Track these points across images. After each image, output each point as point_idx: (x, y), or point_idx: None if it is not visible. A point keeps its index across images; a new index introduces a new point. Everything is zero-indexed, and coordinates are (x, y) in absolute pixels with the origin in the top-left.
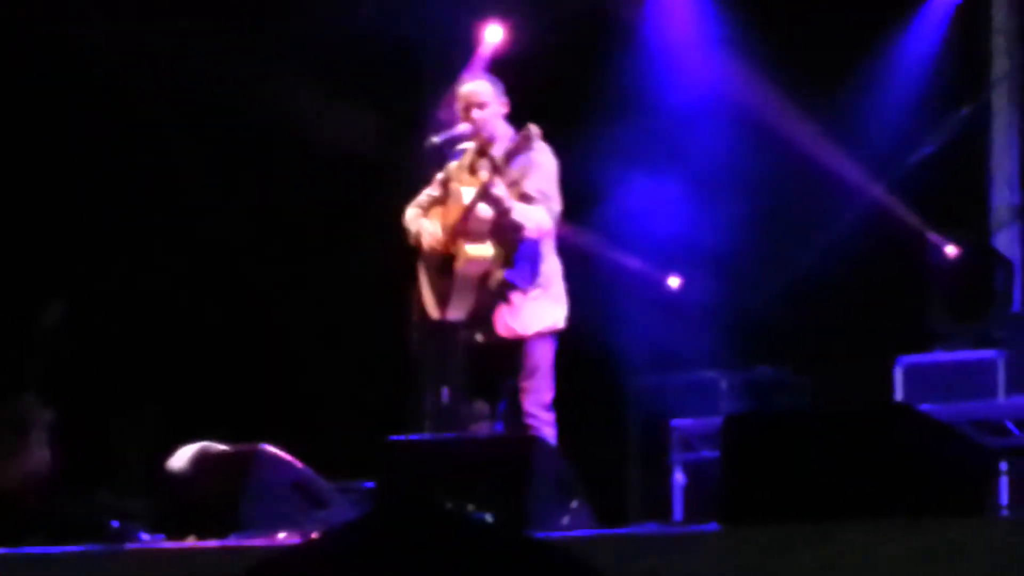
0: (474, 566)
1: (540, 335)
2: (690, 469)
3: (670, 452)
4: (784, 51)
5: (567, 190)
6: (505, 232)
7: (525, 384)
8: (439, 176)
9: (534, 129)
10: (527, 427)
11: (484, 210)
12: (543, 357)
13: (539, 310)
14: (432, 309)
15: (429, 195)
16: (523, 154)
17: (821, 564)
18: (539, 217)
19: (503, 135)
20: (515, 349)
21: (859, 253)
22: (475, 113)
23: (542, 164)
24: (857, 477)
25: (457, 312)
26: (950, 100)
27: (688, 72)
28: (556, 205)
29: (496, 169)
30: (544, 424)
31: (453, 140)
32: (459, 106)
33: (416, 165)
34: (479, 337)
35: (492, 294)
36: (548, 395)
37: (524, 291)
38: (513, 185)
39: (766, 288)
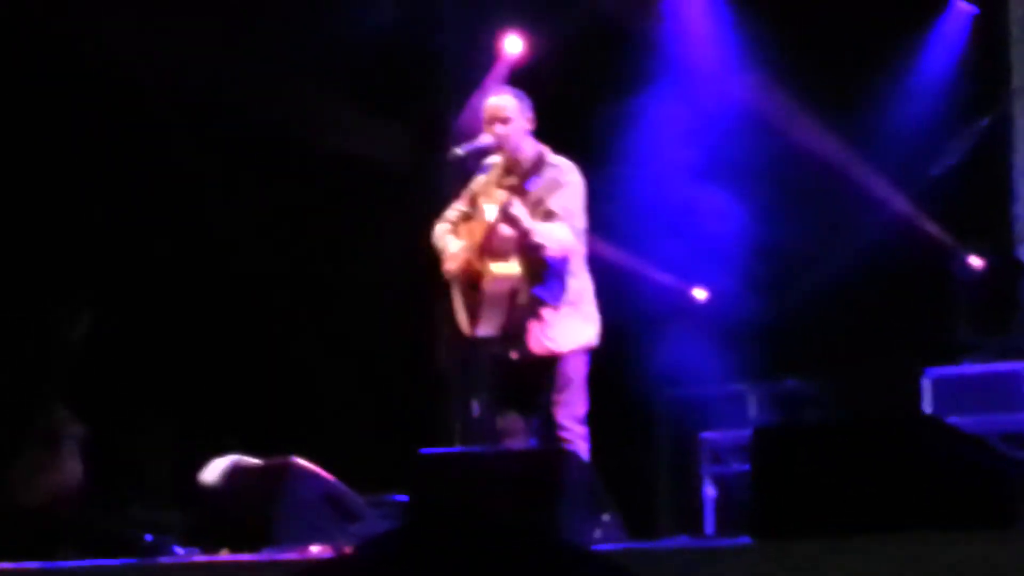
0: (511, 572)
1: (573, 352)
2: (720, 482)
3: (700, 465)
4: (805, 64)
5: (593, 204)
6: (529, 250)
7: (558, 398)
8: (469, 189)
9: (567, 163)
10: (561, 440)
11: (507, 228)
12: (576, 372)
13: (571, 327)
14: (464, 325)
15: (458, 210)
16: (537, 175)
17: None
18: (561, 235)
19: (528, 152)
20: (548, 365)
21: (885, 266)
22: (498, 128)
23: (569, 183)
24: (887, 489)
25: (487, 329)
26: (970, 111)
27: (710, 86)
28: (580, 223)
29: (514, 189)
30: (578, 438)
31: (476, 152)
32: (484, 118)
33: (439, 175)
34: (513, 354)
35: (522, 311)
36: (581, 409)
37: (554, 307)
38: (538, 203)
39: (794, 301)
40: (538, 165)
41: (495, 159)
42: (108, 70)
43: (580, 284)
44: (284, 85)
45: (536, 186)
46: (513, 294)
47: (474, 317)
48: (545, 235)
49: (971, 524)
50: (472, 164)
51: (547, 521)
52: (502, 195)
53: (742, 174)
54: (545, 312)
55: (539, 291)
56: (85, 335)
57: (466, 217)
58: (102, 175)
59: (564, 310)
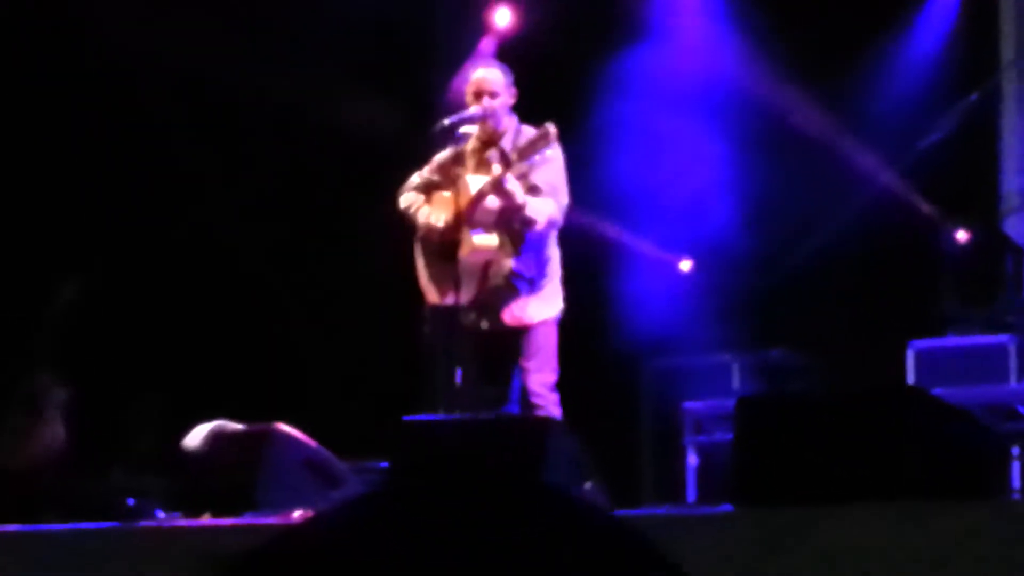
0: (492, 515)
1: (543, 322)
2: (703, 451)
3: (683, 434)
4: (792, 36)
5: (577, 173)
6: (512, 224)
7: (529, 365)
8: (438, 159)
9: (553, 129)
10: (534, 407)
11: (493, 201)
12: (546, 341)
13: (544, 299)
14: (430, 293)
15: (426, 179)
16: (539, 152)
17: (833, 546)
18: (549, 210)
19: (508, 125)
20: (519, 335)
21: (871, 238)
22: (486, 101)
23: (551, 157)
24: (869, 460)
25: (456, 298)
26: (959, 85)
27: (696, 56)
28: (564, 198)
29: (508, 164)
30: (550, 404)
31: (464, 122)
32: (469, 90)
33: (426, 147)
34: (484, 324)
35: (496, 282)
36: (552, 376)
37: (530, 281)
38: (522, 177)
39: (779, 272)
40: (516, 137)
41: (469, 130)
42: (97, 44)
43: (552, 258)
44: (274, 59)
45: (533, 162)
46: (488, 265)
47: (443, 285)
48: (535, 210)
49: (953, 495)
50: (447, 136)
51: None
52: (497, 168)
53: (728, 145)
54: (520, 285)
55: (516, 266)
56: (71, 301)
57: (435, 185)
58: (90, 143)
59: (539, 282)
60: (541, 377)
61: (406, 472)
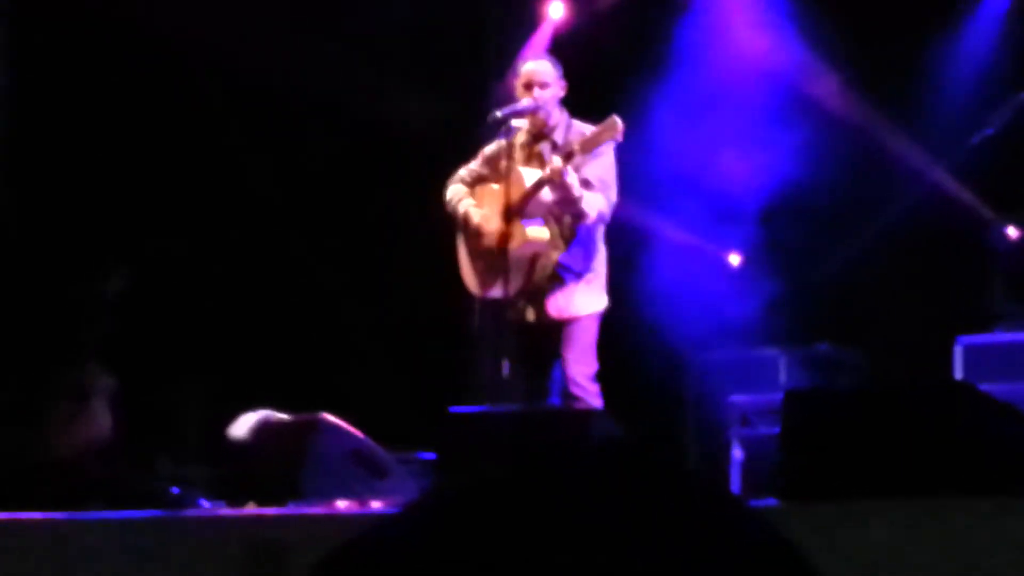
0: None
1: (587, 316)
2: (748, 445)
3: (729, 427)
4: (845, 31)
5: (628, 166)
6: (564, 216)
7: (569, 356)
8: (486, 152)
9: (619, 122)
10: (574, 397)
11: (546, 194)
12: (588, 334)
13: (587, 293)
14: (473, 285)
15: (473, 172)
16: (605, 144)
17: (879, 541)
18: (600, 205)
19: (559, 120)
20: (561, 327)
21: (920, 233)
22: (536, 92)
23: (603, 152)
24: (917, 455)
25: (502, 290)
26: (1011, 81)
27: (748, 50)
28: (613, 194)
29: (570, 156)
30: (590, 395)
31: (516, 115)
32: (520, 82)
33: (479, 139)
34: (530, 316)
35: (544, 275)
36: (592, 368)
37: (577, 274)
38: (575, 170)
39: (828, 267)
40: (567, 131)
41: (519, 123)
42: (146, 37)
43: (599, 252)
44: (325, 53)
45: (597, 153)
46: (536, 258)
47: (486, 277)
48: (588, 204)
49: (1001, 491)
50: (498, 129)
51: None
52: (557, 161)
53: (779, 140)
54: (567, 278)
55: (563, 258)
56: (119, 290)
57: (483, 178)
58: (138, 134)
59: (583, 276)
60: (581, 368)
61: (452, 464)
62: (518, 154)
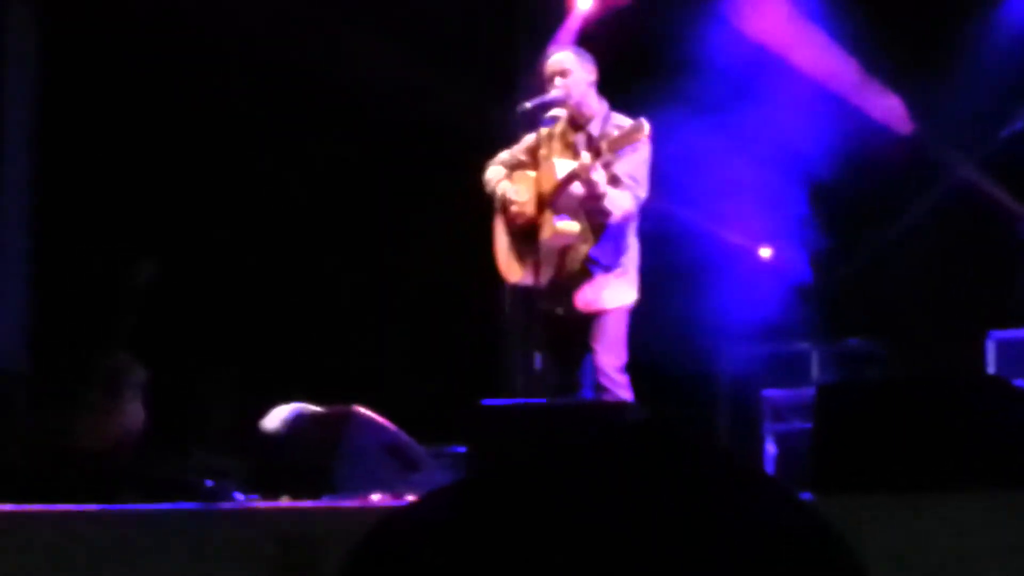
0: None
1: (616, 310)
2: (781, 439)
3: (762, 422)
4: (875, 24)
5: (659, 159)
6: (593, 212)
7: (599, 348)
8: (528, 139)
9: (646, 125)
10: (603, 389)
11: (577, 187)
12: (617, 327)
13: (618, 288)
14: (508, 271)
15: (515, 156)
16: (631, 145)
17: (912, 534)
18: (625, 204)
19: (598, 111)
20: (591, 320)
21: (952, 228)
22: (558, 81)
23: (637, 149)
24: (950, 450)
25: (532, 278)
26: None
27: (778, 44)
28: (643, 192)
29: (598, 153)
30: (619, 387)
31: (545, 105)
32: (545, 76)
33: (508, 130)
34: (559, 310)
35: (573, 268)
36: (621, 360)
37: (606, 268)
38: (606, 166)
39: (859, 261)
40: (604, 122)
41: (559, 112)
42: (175, 27)
43: (630, 247)
44: (357, 41)
45: (625, 154)
46: (566, 250)
47: (521, 265)
48: (612, 202)
49: None
50: (540, 118)
51: None
52: (587, 157)
53: (809, 133)
54: (596, 272)
55: (594, 252)
56: (150, 281)
57: (522, 164)
58: (168, 124)
59: (613, 270)
60: (610, 359)
61: (484, 457)
62: (556, 144)
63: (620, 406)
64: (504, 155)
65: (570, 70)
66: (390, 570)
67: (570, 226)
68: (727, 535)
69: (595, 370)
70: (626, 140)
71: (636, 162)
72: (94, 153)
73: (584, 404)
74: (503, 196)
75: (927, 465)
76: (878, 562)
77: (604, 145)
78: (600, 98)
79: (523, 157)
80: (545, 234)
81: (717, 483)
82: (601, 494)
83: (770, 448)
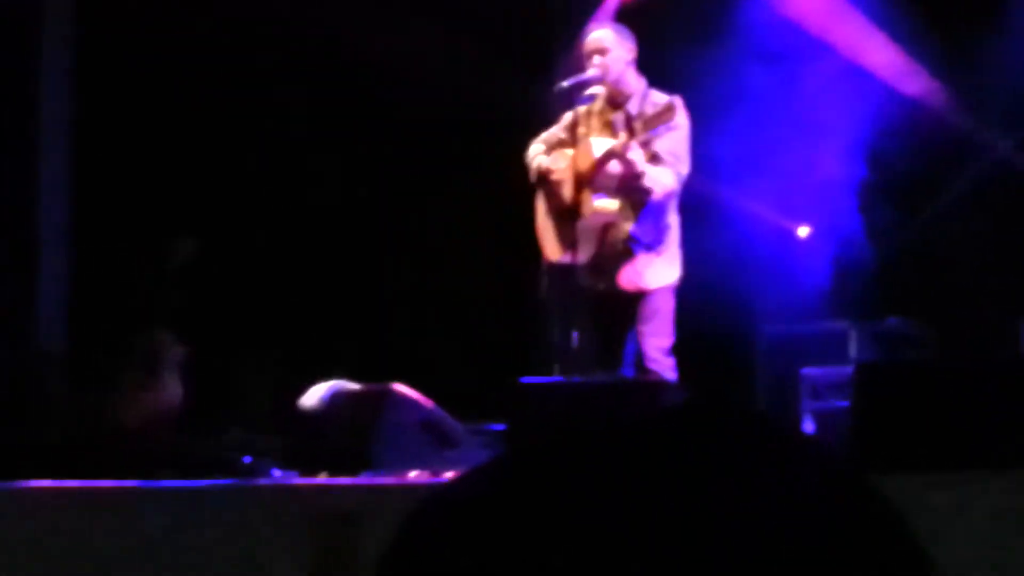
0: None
1: (660, 289)
2: (820, 418)
3: (800, 401)
4: (910, 4)
5: (698, 137)
6: (632, 190)
7: (645, 329)
8: (567, 118)
9: (678, 102)
10: (648, 371)
11: (615, 166)
12: (662, 306)
13: (660, 266)
14: (549, 249)
15: (556, 135)
16: (664, 124)
17: (952, 512)
18: (666, 181)
19: (636, 88)
20: (636, 300)
21: (991, 208)
22: (596, 60)
23: (677, 126)
24: (987, 429)
25: (574, 257)
26: None
27: (816, 23)
28: (684, 168)
29: (632, 132)
30: (665, 368)
31: (581, 85)
32: (584, 53)
33: (546, 110)
34: (601, 286)
35: (615, 247)
36: (668, 340)
37: (648, 247)
38: (645, 144)
39: (899, 241)
40: (643, 101)
41: (598, 90)
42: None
43: (672, 226)
44: (387, 22)
45: (659, 134)
46: (607, 229)
47: (563, 243)
48: (653, 180)
49: None
50: (577, 97)
51: None
52: (623, 136)
53: (847, 114)
54: (638, 250)
55: (634, 230)
56: (190, 260)
57: (562, 144)
58: (207, 103)
59: (655, 248)
60: (657, 341)
61: (523, 435)
62: (595, 122)
63: (660, 384)
64: (545, 134)
65: (608, 48)
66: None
67: (608, 204)
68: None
69: (641, 352)
70: (659, 120)
71: (676, 139)
72: (136, 133)
73: (623, 382)
74: (539, 167)
75: (964, 444)
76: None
77: (638, 125)
78: (639, 75)
79: (563, 135)
80: (584, 212)
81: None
82: (644, 471)
83: (808, 426)
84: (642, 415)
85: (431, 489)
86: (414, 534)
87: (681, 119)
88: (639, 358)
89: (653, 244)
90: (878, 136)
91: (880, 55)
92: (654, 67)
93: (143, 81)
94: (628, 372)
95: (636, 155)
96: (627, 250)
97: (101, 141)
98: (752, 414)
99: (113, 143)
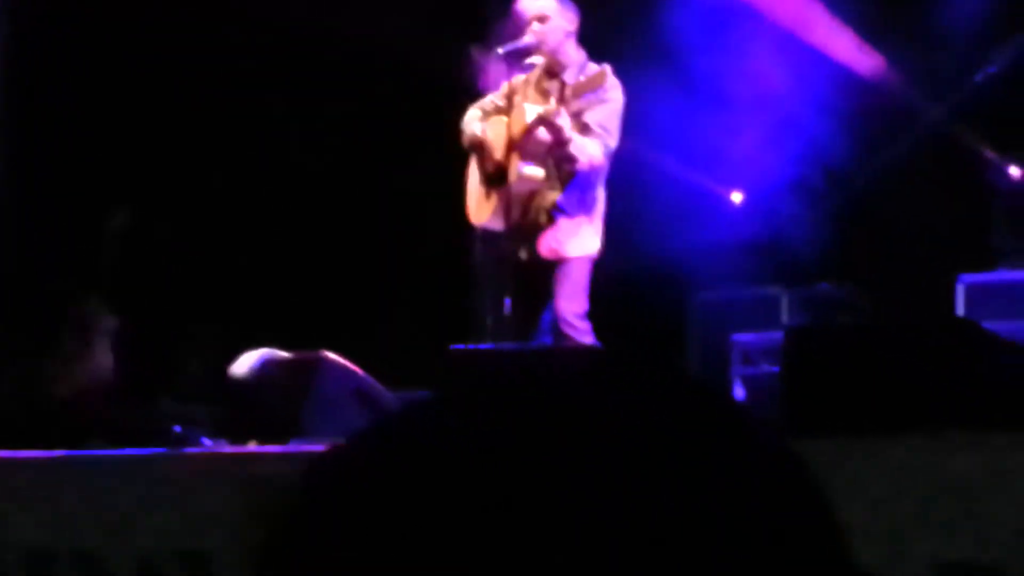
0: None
1: (579, 258)
2: (750, 383)
3: (731, 366)
4: None
5: (633, 105)
6: (559, 159)
7: (560, 295)
8: (504, 86)
9: (608, 70)
10: (565, 336)
11: (544, 133)
12: (579, 275)
13: (582, 236)
14: (474, 213)
15: (493, 102)
16: (593, 92)
17: (881, 477)
18: (593, 152)
19: (574, 60)
20: (553, 267)
21: (923, 172)
22: (535, 27)
23: (609, 99)
24: (920, 393)
25: (498, 222)
26: (1015, 20)
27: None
28: (613, 141)
29: (563, 99)
30: (580, 333)
31: (518, 52)
32: (521, 20)
33: (480, 77)
34: (522, 254)
35: (538, 214)
36: (582, 307)
37: (571, 216)
38: (577, 115)
39: (829, 206)
40: (580, 70)
41: (536, 59)
42: None
43: (599, 199)
44: None
45: (589, 100)
46: (532, 196)
47: (487, 208)
48: (579, 148)
49: (1004, 427)
50: (513, 65)
51: None
52: (552, 102)
53: (779, 82)
54: (561, 219)
55: (560, 200)
56: (123, 229)
57: (498, 109)
58: (145, 71)
59: (579, 219)
60: (572, 306)
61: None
62: (531, 90)
63: (595, 350)
64: (483, 101)
65: (549, 16)
66: (324, 512)
67: (535, 171)
68: (690, 471)
69: (556, 317)
70: (589, 85)
71: (608, 112)
72: (70, 100)
73: (556, 350)
74: (472, 135)
75: (896, 409)
76: (847, 506)
77: (568, 92)
78: (579, 47)
79: (500, 102)
80: (512, 178)
81: (685, 410)
82: (556, 426)
83: (739, 392)
84: (553, 375)
85: (322, 453)
86: (307, 496)
87: (616, 94)
88: (555, 324)
89: (575, 214)
90: (811, 102)
91: (815, 21)
92: (586, 24)
93: (81, 45)
94: (545, 339)
95: (564, 122)
96: (549, 219)
97: (35, 108)
98: (663, 367)
99: (49, 111)
